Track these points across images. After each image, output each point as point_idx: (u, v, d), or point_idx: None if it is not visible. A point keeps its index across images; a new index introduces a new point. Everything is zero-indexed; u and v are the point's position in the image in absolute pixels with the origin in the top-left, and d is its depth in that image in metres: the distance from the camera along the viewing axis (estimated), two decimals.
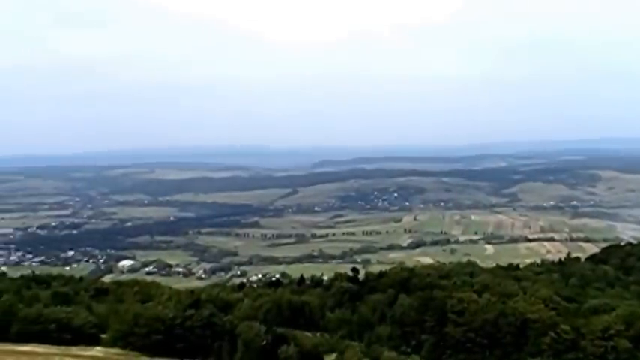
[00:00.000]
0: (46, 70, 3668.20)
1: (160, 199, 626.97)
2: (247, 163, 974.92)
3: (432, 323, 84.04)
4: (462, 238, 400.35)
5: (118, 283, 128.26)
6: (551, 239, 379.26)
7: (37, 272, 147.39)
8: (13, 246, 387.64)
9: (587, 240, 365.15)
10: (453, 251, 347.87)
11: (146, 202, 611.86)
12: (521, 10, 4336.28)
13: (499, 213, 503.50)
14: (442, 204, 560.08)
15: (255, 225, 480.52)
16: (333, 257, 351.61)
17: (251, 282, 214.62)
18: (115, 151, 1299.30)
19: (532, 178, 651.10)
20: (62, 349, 62.63)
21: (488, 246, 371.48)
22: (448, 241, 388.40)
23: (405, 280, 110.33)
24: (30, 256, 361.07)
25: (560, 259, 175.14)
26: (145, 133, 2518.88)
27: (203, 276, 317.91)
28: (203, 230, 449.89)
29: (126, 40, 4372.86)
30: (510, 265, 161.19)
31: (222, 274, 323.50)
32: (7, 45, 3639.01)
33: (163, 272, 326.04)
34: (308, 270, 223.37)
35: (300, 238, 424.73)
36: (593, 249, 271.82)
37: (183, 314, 66.15)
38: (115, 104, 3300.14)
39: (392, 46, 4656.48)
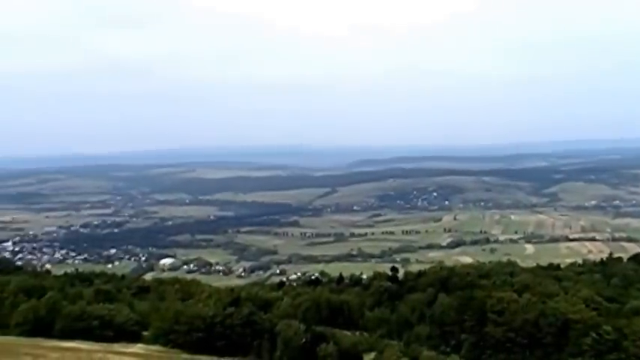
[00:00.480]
0: (88, 71, 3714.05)
1: (201, 198, 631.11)
2: (286, 163, 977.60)
3: (471, 323, 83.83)
4: (501, 238, 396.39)
5: (159, 282, 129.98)
6: (593, 239, 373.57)
7: (80, 270, 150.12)
8: (57, 244, 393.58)
9: (629, 240, 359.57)
10: (492, 251, 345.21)
11: (187, 201, 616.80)
12: (549, 8, 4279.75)
13: (539, 212, 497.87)
14: (482, 203, 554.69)
15: (295, 224, 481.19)
16: (372, 256, 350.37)
17: (290, 281, 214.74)
18: (155, 150, 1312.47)
19: (573, 178, 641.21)
20: (104, 345, 63.50)
21: (528, 246, 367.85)
22: (488, 241, 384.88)
23: (444, 279, 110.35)
24: (73, 254, 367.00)
25: (601, 259, 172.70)
26: (185, 133, 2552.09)
27: (243, 274, 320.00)
28: (243, 229, 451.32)
29: (164, 40, 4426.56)
30: (551, 265, 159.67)
31: (262, 272, 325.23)
32: (45, 47, 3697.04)
33: (203, 271, 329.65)
34: (347, 269, 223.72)
35: (339, 237, 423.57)
36: (635, 249, 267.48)
37: (224, 312, 66.60)
38: (156, 104, 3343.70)
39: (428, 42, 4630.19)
